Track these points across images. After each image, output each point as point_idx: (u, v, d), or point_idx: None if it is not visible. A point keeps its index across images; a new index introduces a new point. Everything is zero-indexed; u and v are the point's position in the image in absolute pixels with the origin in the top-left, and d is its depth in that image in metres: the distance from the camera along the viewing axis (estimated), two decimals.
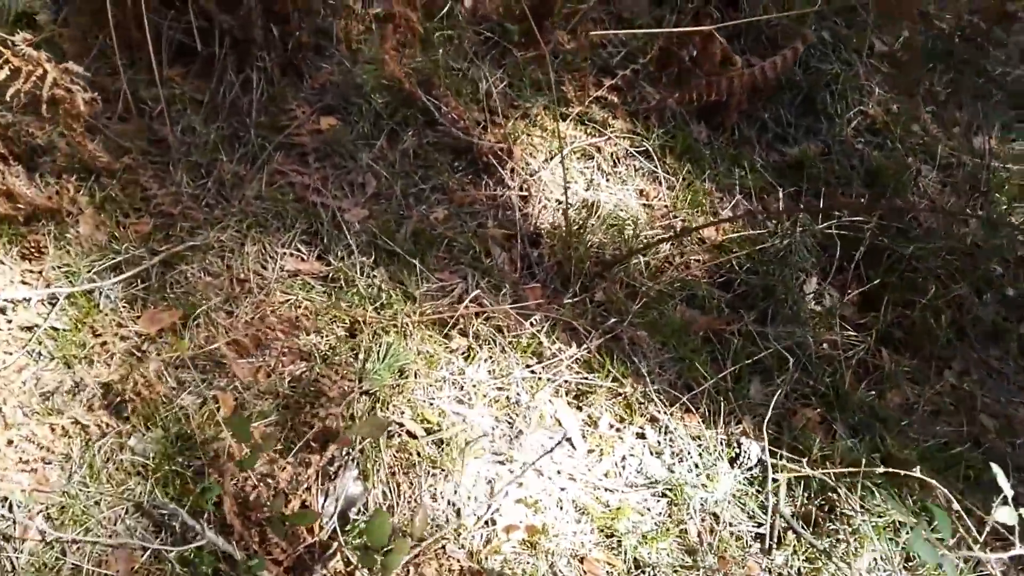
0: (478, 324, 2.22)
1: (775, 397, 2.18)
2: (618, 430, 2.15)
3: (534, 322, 2.26)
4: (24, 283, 2.14)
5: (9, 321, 2.03)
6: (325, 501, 1.82)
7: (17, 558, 1.67)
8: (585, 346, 2.24)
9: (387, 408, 2.02)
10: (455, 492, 1.93)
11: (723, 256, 2.58)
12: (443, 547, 1.81)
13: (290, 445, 1.92)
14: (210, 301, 2.18)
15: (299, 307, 2.23)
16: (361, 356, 2.10)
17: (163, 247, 2.27)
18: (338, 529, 1.76)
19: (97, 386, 1.96)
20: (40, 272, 2.17)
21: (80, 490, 1.78)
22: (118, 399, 1.93)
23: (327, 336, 2.18)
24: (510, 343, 2.22)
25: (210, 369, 2.07)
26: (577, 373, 2.21)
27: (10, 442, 1.75)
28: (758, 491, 2.09)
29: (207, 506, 1.73)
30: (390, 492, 1.91)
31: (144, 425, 1.91)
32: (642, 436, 2.15)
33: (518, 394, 2.14)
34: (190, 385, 2.02)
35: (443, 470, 1.95)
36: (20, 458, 1.75)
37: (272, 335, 2.14)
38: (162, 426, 1.91)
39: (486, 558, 1.81)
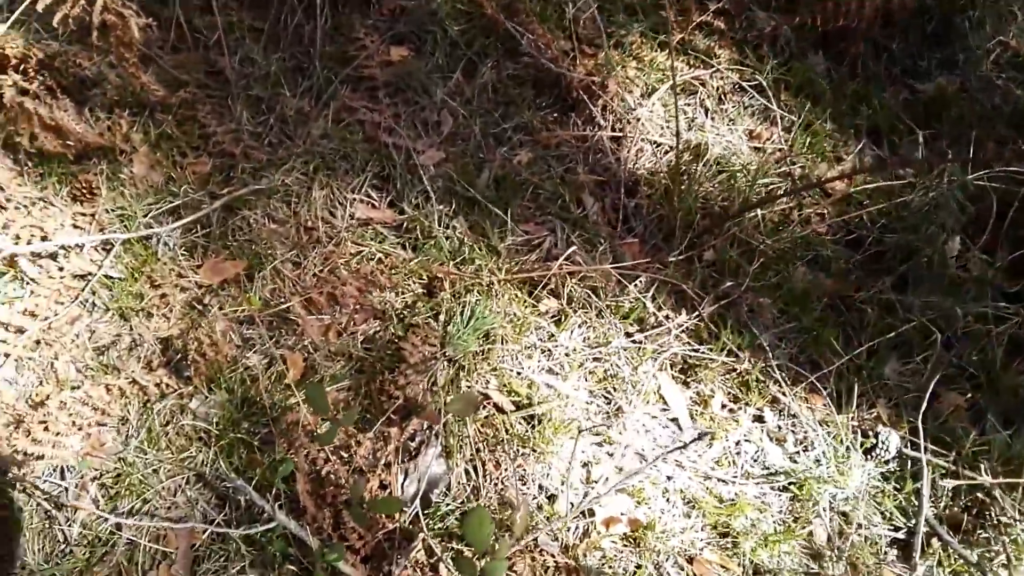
0: (572, 284, 1.98)
1: (931, 382, 1.88)
2: (732, 411, 1.91)
3: (637, 284, 2.01)
4: (76, 227, 2.00)
5: (61, 268, 1.90)
6: (405, 481, 1.65)
7: (69, 529, 1.55)
8: (697, 313, 1.99)
9: (471, 377, 1.82)
10: (547, 475, 1.74)
11: (851, 210, 2.26)
12: (535, 539, 1.63)
13: (365, 415, 1.74)
14: (276, 251, 1.99)
15: (372, 260, 2.03)
16: (442, 317, 1.90)
17: (224, 190, 2.09)
18: (420, 514, 1.58)
19: (156, 342, 1.82)
20: (93, 215, 2.02)
21: (137, 456, 1.65)
22: (178, 357, 1.79)
23: (404, 293, 1.98)
24: (608, 307, 1.98)
25: (277, 326, 1.90)
26: (686, 344, 1.96)
27: (63, 404, 1.62)
28: (896, 489, 1.83)
29: (277, 483, 1.57)
30: (474, 472, 1.73)
31: (207, 387, 1.76)
32: (760, 419, 1.91)
33: (617, 366, 1.91)
34: (256, 343, 1.86)
35: (534, 450, 1.75)
36: (73, 421, 1.62)
37: (345, 290, 1.95)
38: (226, 388, 1.76)
39: (584, 555, 1.62)
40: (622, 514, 1.69)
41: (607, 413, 1.85)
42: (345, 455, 1.65)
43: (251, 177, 2.14)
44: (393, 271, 2.03)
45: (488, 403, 1.79)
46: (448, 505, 1.67)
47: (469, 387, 1.81)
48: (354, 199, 2.17)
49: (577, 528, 1.66)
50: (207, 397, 1.76)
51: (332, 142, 2.22)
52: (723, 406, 1.91)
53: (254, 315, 1.87)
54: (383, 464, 1.63)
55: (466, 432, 1.74)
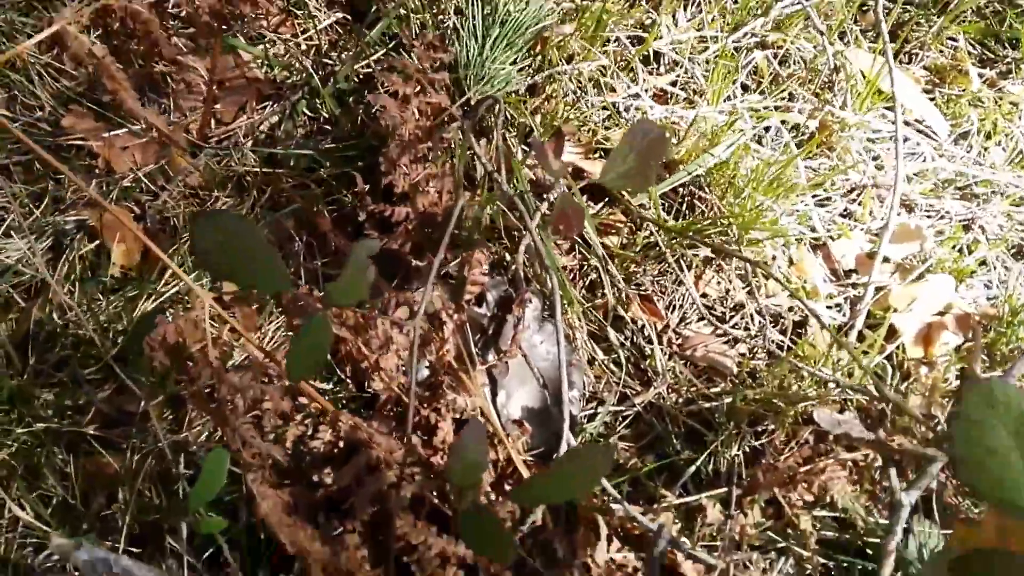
0: None
1: None
2: (993, 83, 1.09)
3: None
4: None
5: None
6: (499, 398, 0.72)
7: None
8: None
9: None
10: (759, 288, 0.86)
11: None
12: (809, 414, 0.78)
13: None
14: None
15: None
16: (412, 29, 0.90)
17: None
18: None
19: None
20: None
21: None
22: None
23: (310, 27, 0.95)
24: None
25: (35, 166, 0.84)
26: None
27: None
28: None
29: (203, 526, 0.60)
30: (619, 332, 0.83)
31: None
32: None
33: (798, 53, 1.02)
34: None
35: (715, 252, 0.86)
36: None
37: (169, 48, 0.89)
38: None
39: (932, 411, 0.79)
40: (940, 313, 0.86)
41: (797, 136, 0.98)
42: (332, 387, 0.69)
43: None
44: None
45: (584, 177, 0.87)
46: (603, 419, 0.77)
47: (527, 165, 0.86)
48: None
49: (885, 369, 0.82)
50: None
51: None
52: (981, 77, 1.09)
53: None
54: (438, 378, 0.69)
55: (593, 251, 0.82)
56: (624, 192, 0.89)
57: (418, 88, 0.79)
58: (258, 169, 0.90)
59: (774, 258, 0.87)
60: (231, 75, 1.00)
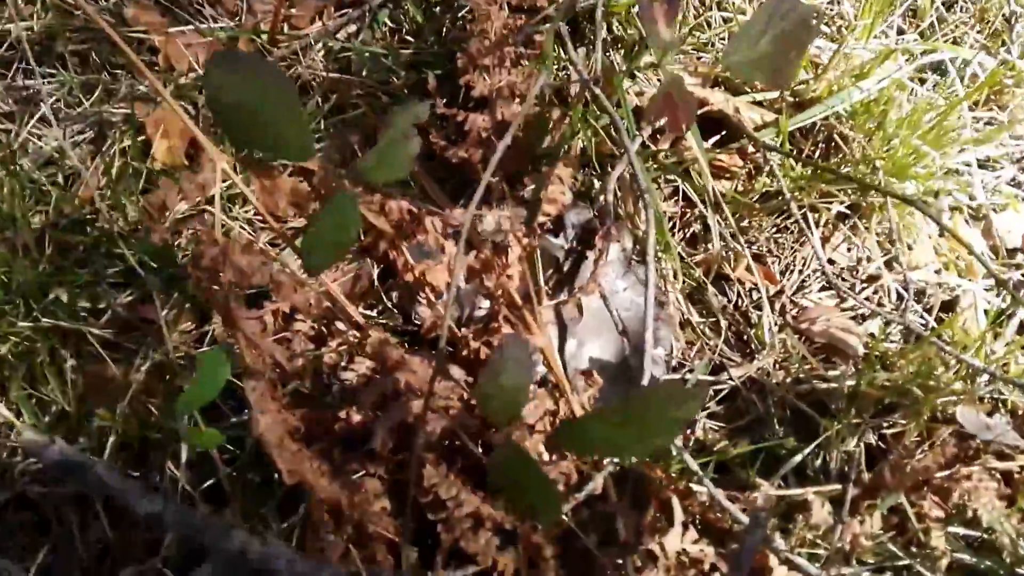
0: None
1: None
2: None
3: None
4: None
5: None
6: (568, 347, 0.60)
7: None
8: None
9: (638, 55, 0.75)
10: (894, 254, 0.71)
11: None
12: (950, 415, 0.63)
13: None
14: None
15: None
16: None
17: None
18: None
19: None
20: None
21: None
22: None
23: None
24: None
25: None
26: None
27: None
28: None
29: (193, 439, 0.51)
30: (725, 301, 0.69)
31: None
32: None
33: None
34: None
35: (856, 203, 0.72)
36: None
37: None
38: None
39: None
40: None
41: (964, 83, 0.82)
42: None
43: None
44: None
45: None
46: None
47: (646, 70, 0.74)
48: None
49: None
50: None
51: None
52: None
53: None
54: (494, 309, 0.58)
55: (702, 185, 0.69)
56: (748, 111, 0.75)
57: None
58: (325, 74, 0.81)
59: (940, 211, 0.72)
60: None
